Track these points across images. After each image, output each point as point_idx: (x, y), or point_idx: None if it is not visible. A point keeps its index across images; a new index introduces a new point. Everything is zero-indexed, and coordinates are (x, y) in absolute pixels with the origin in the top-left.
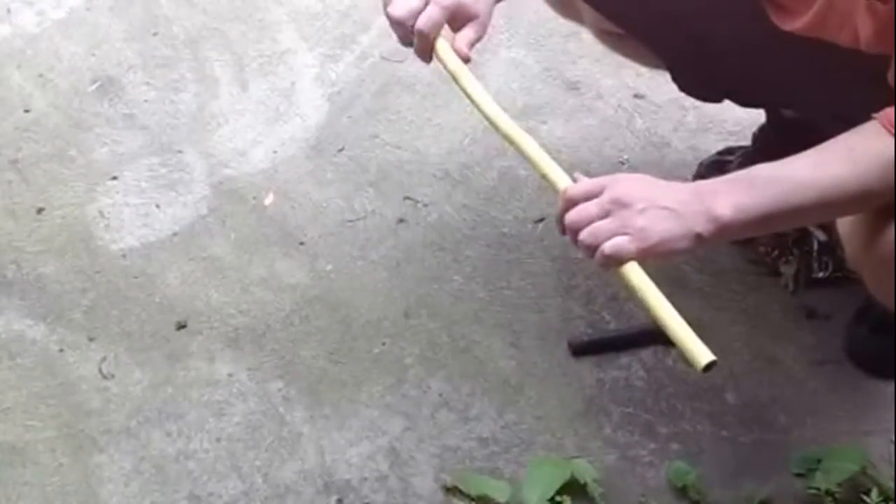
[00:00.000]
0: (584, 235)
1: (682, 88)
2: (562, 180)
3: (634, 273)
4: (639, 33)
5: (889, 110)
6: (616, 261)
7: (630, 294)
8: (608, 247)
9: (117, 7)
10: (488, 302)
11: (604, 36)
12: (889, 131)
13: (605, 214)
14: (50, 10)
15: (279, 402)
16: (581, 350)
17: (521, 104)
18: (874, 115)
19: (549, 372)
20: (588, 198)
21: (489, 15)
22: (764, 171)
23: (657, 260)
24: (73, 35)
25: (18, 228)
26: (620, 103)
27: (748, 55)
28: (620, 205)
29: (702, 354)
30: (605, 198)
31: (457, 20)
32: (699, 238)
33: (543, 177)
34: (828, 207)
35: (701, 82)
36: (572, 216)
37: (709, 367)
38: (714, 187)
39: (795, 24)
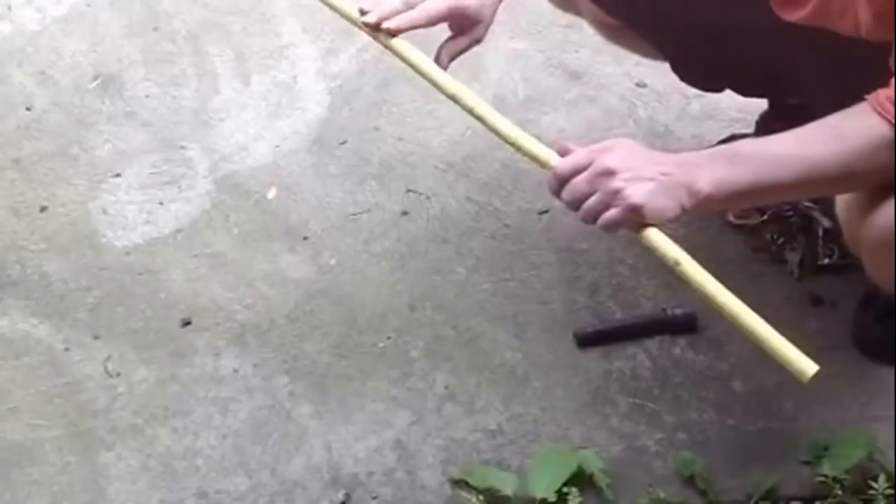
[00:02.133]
0: (580, 215)
1: (683, 79)
2: (506, 127)
3: (711, 284)
4: (637, 26)
5: (881, 92)
6: (614, 229)
7: (712, 307)
8: (601, 223)
9: (117, 3)
10: (493, 294)
11: (603, 28)
12: (879, 113)
13: (594, 189)
14: (50, 7)
15: (285, 397)
16: (587, 341)
17: (522, 95)
18: (866, 96)
19: (555, 363)
20: (576, 172)
21: (490, 18)
22: (747, 146)
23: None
24: (73, 32)
25: (22, 227)
26: (623, 93)
27: (748, 46)
28: (606, 175)
29: (807, 366)
30: (591, 171)
31: (456, 22)
32: (682, 208)
33: (510, 142)
34: (809, 184)
35: (701, 73)
36: (566, 197)
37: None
38: (697, 160)
39: (798, 14)
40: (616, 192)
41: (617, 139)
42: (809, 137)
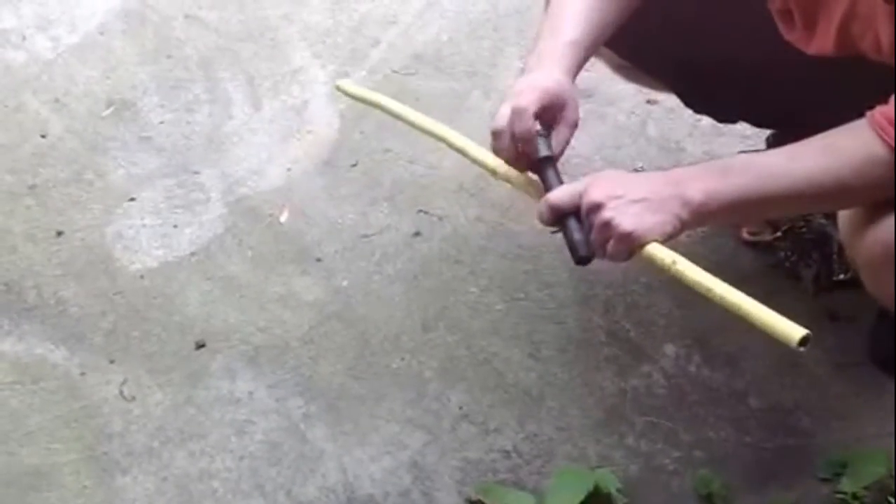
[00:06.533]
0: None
1: (697, 112)
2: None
3: (692, 271)
4: (650, 70)
5: (880, 109)
6: (619, 259)
7: (693, 289)
8: (606, 259)
9: (130, 31)
10: (506, 313)
11: (620, 69)
12: (876, 133)
13: (588, 226)
14: (64, 35)
15: (300, 419)
16: None
17: None
18: (867, 111)
19: (570, 382)
20: (571, 202)
21: (575, 95)
22: (740, 159)
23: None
24: (87, 59)
25: (38, 252)
26: (633, 109)
27: (760, 85)
28: (594, 210)
29: (793, 330)
30: (583, 208)
31: (549, 112)
32: (680, 220)
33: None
34: (802, 198)
35: (714, 111)
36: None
37: (803, 341)
38: (689, 173)
39: (820, 43)
40: (607, 224)
41: (598, 172)
42: (803, 152)
